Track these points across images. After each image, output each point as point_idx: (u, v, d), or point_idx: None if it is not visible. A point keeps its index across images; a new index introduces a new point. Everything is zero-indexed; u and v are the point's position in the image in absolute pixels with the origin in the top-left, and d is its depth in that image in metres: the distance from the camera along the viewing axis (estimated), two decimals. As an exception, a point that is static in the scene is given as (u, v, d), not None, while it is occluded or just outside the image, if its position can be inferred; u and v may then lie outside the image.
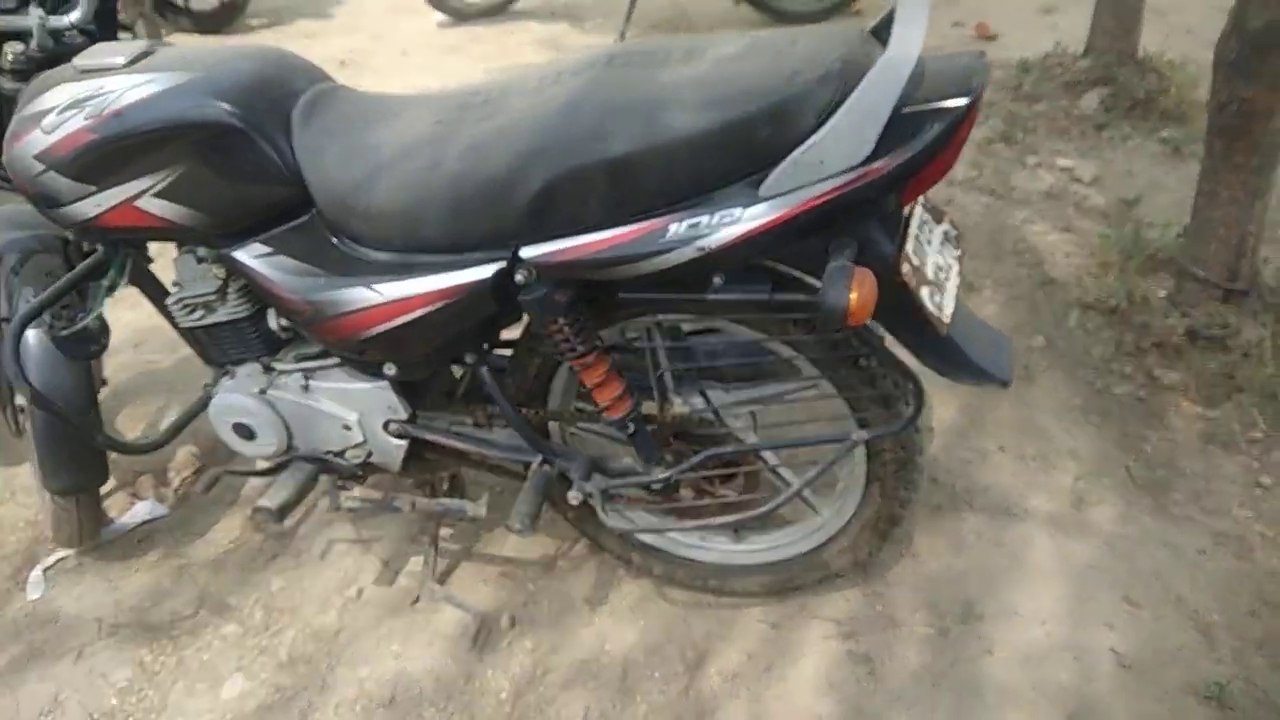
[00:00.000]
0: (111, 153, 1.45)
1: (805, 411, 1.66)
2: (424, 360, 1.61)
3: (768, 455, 1.74)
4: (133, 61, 1.49)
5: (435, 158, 1.37)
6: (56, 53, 1.66)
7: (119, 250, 1.69)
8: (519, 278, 1.39)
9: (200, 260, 1.62)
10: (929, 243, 1.44)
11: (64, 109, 1.46)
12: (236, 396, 1.74)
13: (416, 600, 2.00)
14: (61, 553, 2.19)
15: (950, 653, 1.79)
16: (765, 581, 1.87)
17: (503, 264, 1.39)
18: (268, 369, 1.75)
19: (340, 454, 1.79)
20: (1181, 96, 3.64)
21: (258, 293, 1.58)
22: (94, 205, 1.50)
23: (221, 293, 1.66)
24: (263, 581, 2.08)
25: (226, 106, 1.41)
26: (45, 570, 2.16)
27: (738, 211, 1.26)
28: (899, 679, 1.76)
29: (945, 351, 1.42)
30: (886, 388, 1.53)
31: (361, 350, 1.56)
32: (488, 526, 2.15)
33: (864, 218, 1.31)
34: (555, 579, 2.03)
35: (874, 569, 1.94)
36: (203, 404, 1.89)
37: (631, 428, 1.59)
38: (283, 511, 1.73)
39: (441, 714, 1.78)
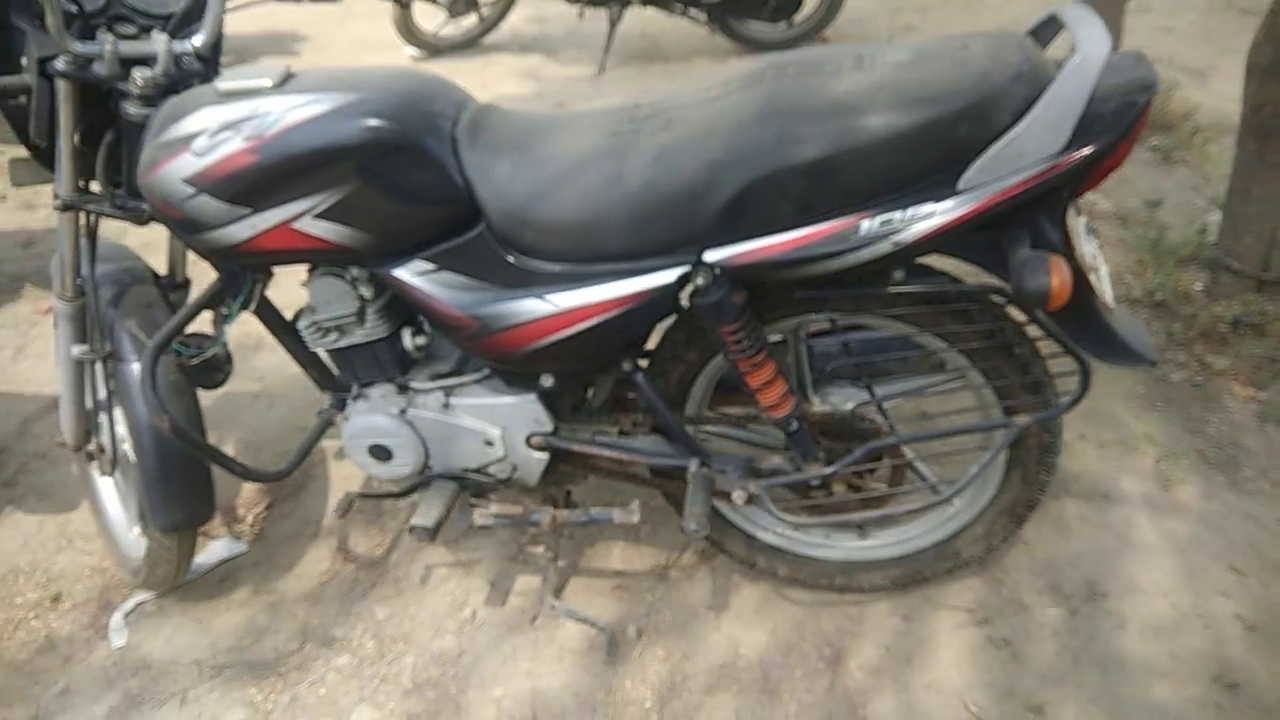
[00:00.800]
0: (274, 175, 1.41)
1: (940, 404, 1.70)
2: (584, 370, 1.61)
3: (911, 449, 1.78)
4: (281, 83, 1.46)
5: (617, 169, 1.38)
6: (175, 79, 1.62)
7: (247, 276, 1.66)
8: (700, 282, 1.41)
9: (352, 280, 1.59)
10: (1080, 233, 1.51)
11: (216, 132, 1.42)
12: (375, 418, 1.70)
13: (535, 618, 1.97)
14: (140, 596, 2.10)
15: (1084, 631, 1.84)
16: (893, 575, 1.89)
17: (685, 269, 1.40)
18: (403, 389, 1.72)
19: (479, 470, 1.76)
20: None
21: (420, 311, 1.55)
22: (248, 228, 1.47)
23: (360, 314, 1.64)
24: (366, 611, 2.03)
25: (397, 126, 1.40)
26: (125, 615, 2.07)
27: (931, 206, 1.31)
28: (1042, 659, 1.80)
29: (1105, 335, 1.48)
30: (1038, 374, 1.59)
31: (529, 362, 1.55)
32: (590, 540, 2.14)
33: (1037, 209, 1.37)
34: (671, 588, 2.02)
35: (989, 558, 1.98)
36: (322, 429, 1.85)
37: (795, 425, 1.61)
38: (436, 529, 1.70)
39: (591, 728, 1.75)
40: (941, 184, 1.31)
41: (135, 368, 1.75)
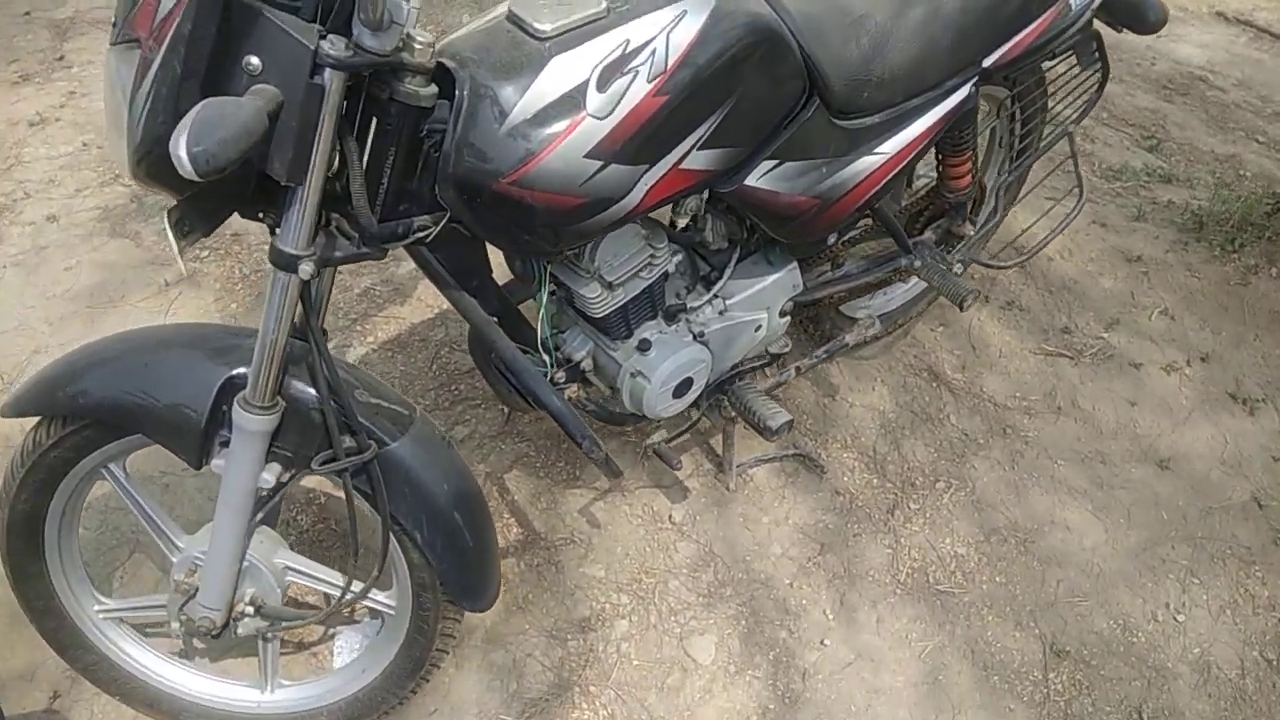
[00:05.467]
0: (680, 111, 1.27)
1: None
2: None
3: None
4: (613, 3, 1.25)
5: (928, 2, 1.50)
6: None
7: (537, 262, 1.42)
8: (969, 90, 1.63)
9: (704, 211, 1.47)
10: None
11: (605, 82, 1.20)
12: (680, 355, 1.60)
13: (729, 486, 2.07)
14: None
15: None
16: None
17: (974, 80, 1.61)
18: (674, 316, 1.64)
19: (739, 365, 1.78)
20: None
21: (760, 214, 1.51)
22: (643, 188, 1.29)
23: (651, 252, 1.52)
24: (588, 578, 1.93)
25: (766, 12, 1.33)
26: None
27: None
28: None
29: None
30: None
31: (849, 221, 1.62)
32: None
33: None
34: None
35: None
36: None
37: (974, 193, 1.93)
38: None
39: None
40: None
41: (410, 445, 1.38)
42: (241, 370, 1.29)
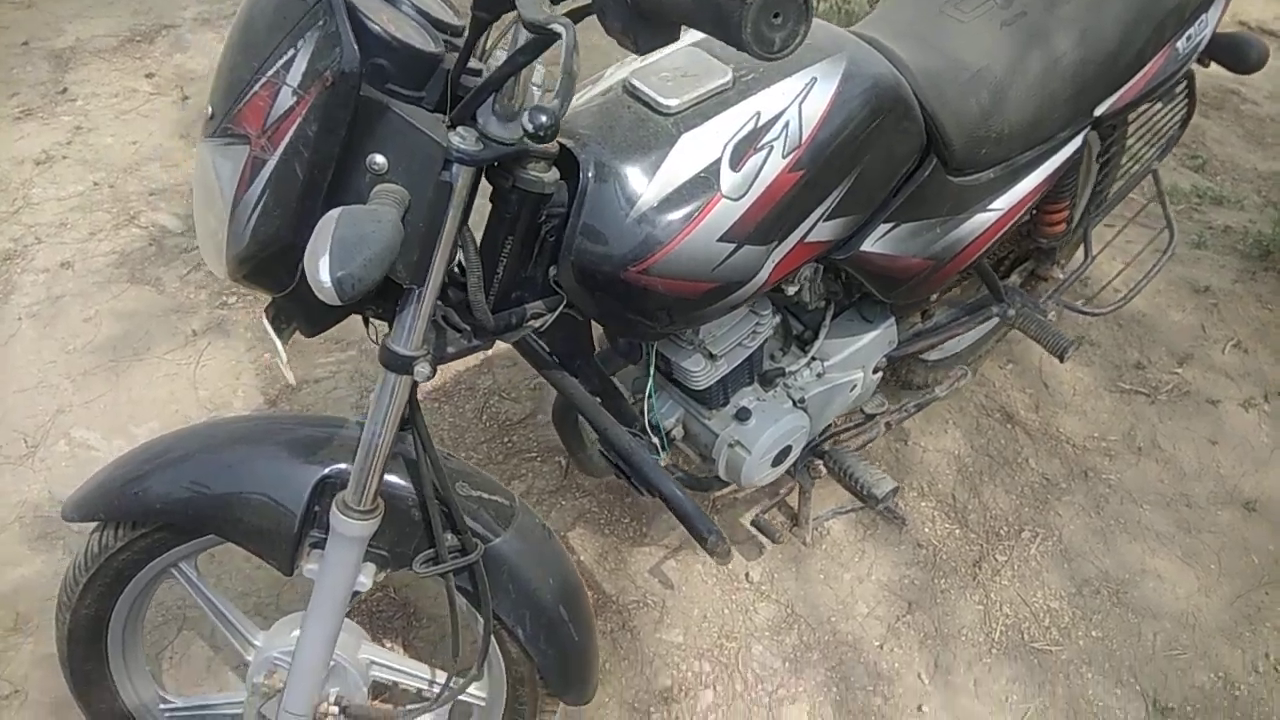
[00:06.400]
0: (812, 185, 1.17)
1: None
2: None
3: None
4: (738, 71, 1.16)
5: (1047, 55, 1.41)
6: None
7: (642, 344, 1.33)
8: (1081, 141, 1.54)
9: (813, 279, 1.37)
10: None
11: (737, 162, 1.10)
12: (782, 423, 1.51)
13: (805, 540, 1.97)
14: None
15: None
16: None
17: (1085, 129, 1.52)
18: (772, 381, 1.54)
19: (828, 427, 1.70)
20: None
21: (874, 277, 1.41)
22: (770, 264, 1.20)
23: (756, 321, 1.43)
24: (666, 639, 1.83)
25: (894, 70, 1.24)
26: None
27: (1204, 16, 1.62)
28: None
29: None
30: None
31: (958, 276, 1.53)
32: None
33: None
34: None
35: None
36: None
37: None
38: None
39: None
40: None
41: (513, 539, 1.28)
42: (336, 467, 1.18)
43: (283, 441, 1.21)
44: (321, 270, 0.79)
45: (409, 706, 1.37)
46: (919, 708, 1.75)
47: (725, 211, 1.10)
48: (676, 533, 1.99)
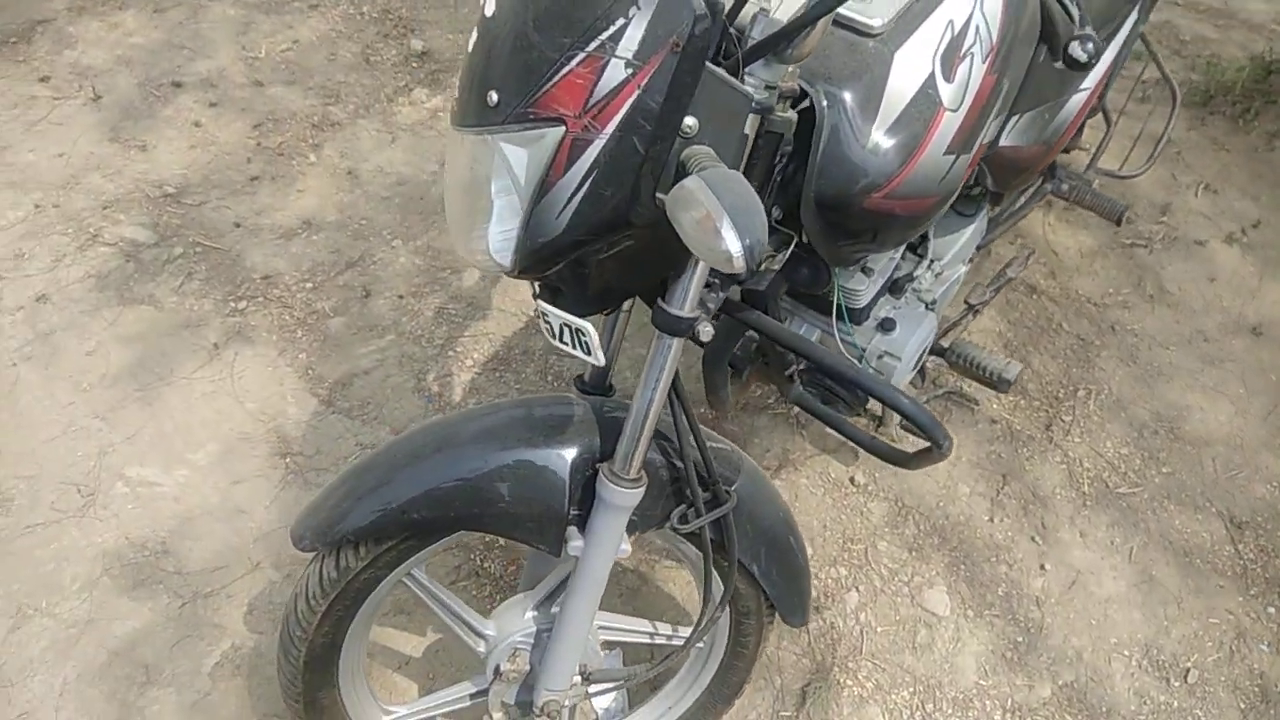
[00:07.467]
0: (1000, 86, 1.22)
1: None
2: None
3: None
4: None
5: None
6: None
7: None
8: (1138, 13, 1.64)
9: None
10: None
11: (946, 71, 1.13)
12: (923, 327, 1.56)
13: (852, 478, 2.06)
14: None
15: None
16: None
17: (1141, 3, 1.61)
18: (901, 288, 1.60)
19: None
20: None
21: (995, 175, 1.49)
22: (964, 172, 1.24)
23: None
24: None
25: None
26: None
27: None
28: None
29: None
30: None
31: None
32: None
33: None
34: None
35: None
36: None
37: None
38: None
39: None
40: None
41: (746, 481, 1.30)
42: (587, 441, 1.17)
43: (523, 427, 1.19)
44: (729, 241, 0.77)
45: (662, 658, 1.38)
46: (1041, 567, 1.89)
47: (949, 124, 1.12)
48: (772, 454, 2.05)
